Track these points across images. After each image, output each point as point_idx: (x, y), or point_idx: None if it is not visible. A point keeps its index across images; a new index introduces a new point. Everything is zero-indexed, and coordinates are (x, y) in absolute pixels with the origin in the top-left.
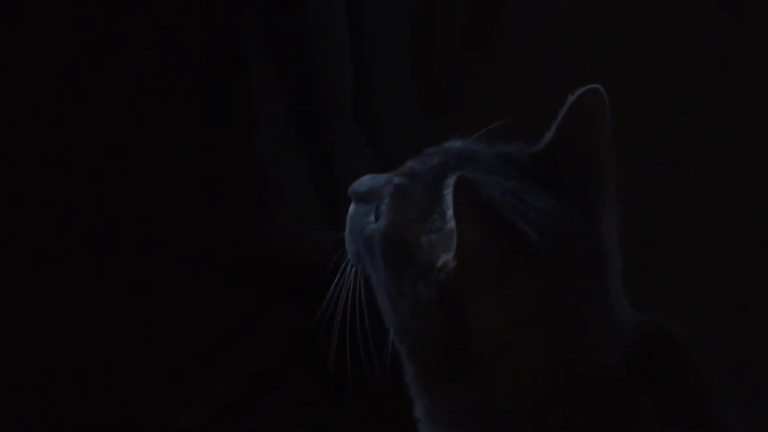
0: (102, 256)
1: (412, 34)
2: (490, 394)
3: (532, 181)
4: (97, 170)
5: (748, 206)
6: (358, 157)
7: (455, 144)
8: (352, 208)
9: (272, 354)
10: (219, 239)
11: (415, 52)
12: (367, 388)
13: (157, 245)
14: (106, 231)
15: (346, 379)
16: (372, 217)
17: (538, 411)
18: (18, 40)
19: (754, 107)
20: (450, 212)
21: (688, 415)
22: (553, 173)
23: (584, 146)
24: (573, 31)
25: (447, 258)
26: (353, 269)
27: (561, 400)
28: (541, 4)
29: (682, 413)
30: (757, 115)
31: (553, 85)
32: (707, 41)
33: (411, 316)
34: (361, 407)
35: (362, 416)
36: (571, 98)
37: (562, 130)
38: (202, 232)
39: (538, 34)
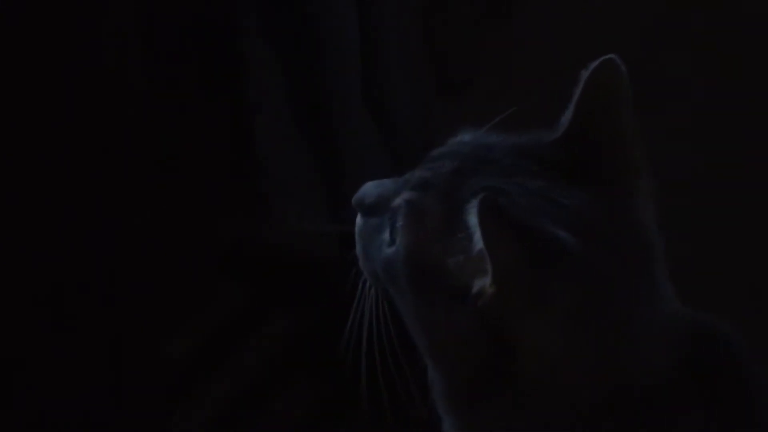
0: (91, 254)
1: (425, 11)
2: (534, 409)
3: (556, 174)
4: (84, 160)
5: None
6: (366, 143)
7: (465, 139)
8: (359, 221)
9: (272, 356)
10: (216, 234)
11: (429, 29)
12: (391, 407)
13: (148, 241)
14: (93, 227)
15: (380, 405)
16: (386, 235)
17: (586, 424)
18: None
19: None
20: (477, 235)
21: (740, 424)
22: (577, 161)
23: (607, 125)
24: (594, 8)
25: (482, 284)
26: (371, 288)
27: (611, 411)
28: None
29: (735, 421)
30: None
31: (574, 65)
32: None
33: (448, 340)
34: (371, 415)
35: (371, 425)
36: (585, 73)
37: (581, 110)
38: (197, 226)
39: (557, 10)
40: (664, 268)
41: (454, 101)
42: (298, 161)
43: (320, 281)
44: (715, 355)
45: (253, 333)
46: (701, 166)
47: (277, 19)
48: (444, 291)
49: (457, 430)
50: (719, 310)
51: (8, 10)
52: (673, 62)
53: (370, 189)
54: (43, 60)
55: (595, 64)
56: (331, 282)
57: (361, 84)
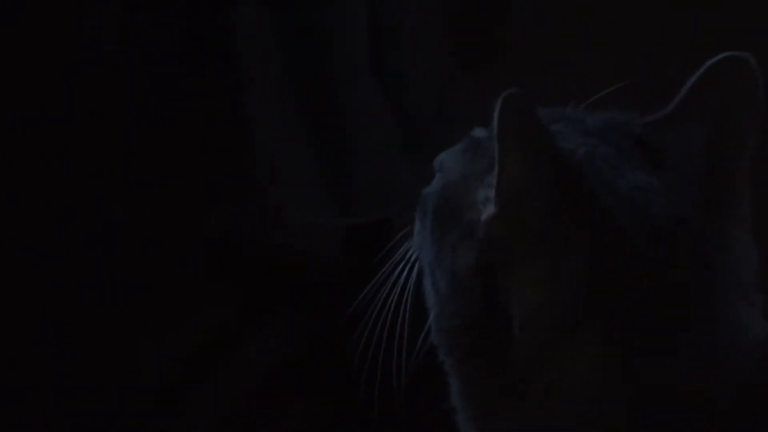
0: (57, 255)
1: None
2: (547, 419)
3: (636, 153)
4: (45, 141)
5: None
6: (375, 123)
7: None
8: (434, 180)
9: (271, 364)
10: (201, 230)
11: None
12: (390, 404)
13: (124, 237)
14: (58, 222)
15: (367, 388)
16: None
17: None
18: None
19: None
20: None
21: None
22: (666, 150)
23: (716, 126)
24: None
25: (490, 211)
26: (407, 266)
27: None
28: None
29: None
30: None
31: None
32: None
33: (447, 292)
34: (380, 427)
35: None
36: (707, 64)
37: (689, 102)
38: (178, 220)
39: None
40: (750, 285)
41: (481, 73)
42: (297, 144)
43: (323, 284)
44: None
45: (249, 342)
46: None
47: None
48: (459, 226)
49: (474, 427)
50: None
51: None
52: None
53: (446, 152)
54: (12, 29)
55: (721, 57)
56: (336, 285)
57: (369, 56)
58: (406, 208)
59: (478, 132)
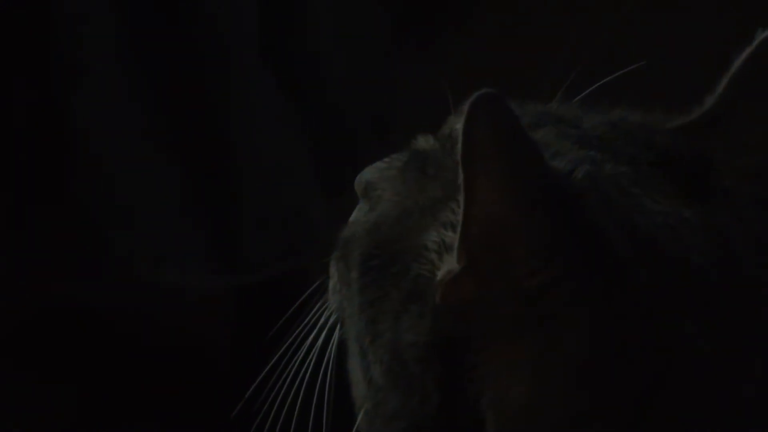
0: None
1: None
2: None
3: (660, 172)
4: None
5: None
6: (271, 124)
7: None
8: (356, 210)
9: None
10: (12, 298)
11: None
12: None
13: None
14: None
15: None
16: None
17: None
18: None
19: None
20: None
21: None
22: (706, 167)
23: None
24: None
25: (452, 265)
26: (323, 332)
27: None
28: None
29: None
30: None
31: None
32: None
33: (385, 383)
34: None
35: None
36: (748, 50)
37: (736, 95)
38: None
39: None
40: None
41: (420, 59)
42: (160, 170)
43: (204, 374)
44: None
45: None
46: None
47: None
48: (404, 284)
49: None
50: None
51: None
52: None
53: (376, 165)
54: None
55: (764, 37)
56: (224, 372)
57: (260, 39)
58: (323, 255)
59: (423, 142)
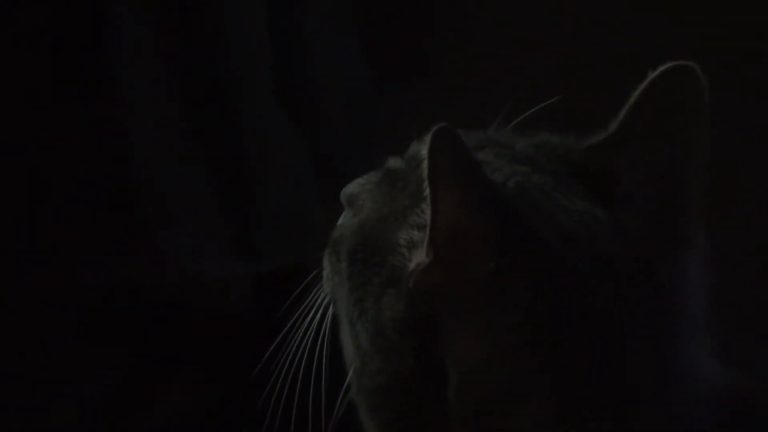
0: None
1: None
2: None
3: (576, 182)
4: None
5: None
6: (282, 150)
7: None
8: (342, 216)
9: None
10: (77, 283)
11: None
12: None
13: None
14: None
15: None
16: None
17: None
18: None
19: None
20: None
21: None
22: (612, 177)
23: (666, 146)
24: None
25: (421, 258)
26: (320, 310)
27: None
28: None
29: None
30: None
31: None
32: None
33: (370, 348)
34: None
35: None
36: (651, 75)
37: (634, 120)
38: (49, 272)
39: None
40: (701, 323)
41: (405, 88)
42: (191, 180)
43: (229, 341)
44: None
45: (142, 407)
46: None
47: None
48: (383, 273)
49: None
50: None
51: None
52: None
53: (361, 179)
54: None
55: (665, 66)
56: (244, 340)
57: (273, 76)
58: (321, 249)
59: (393, 162)
